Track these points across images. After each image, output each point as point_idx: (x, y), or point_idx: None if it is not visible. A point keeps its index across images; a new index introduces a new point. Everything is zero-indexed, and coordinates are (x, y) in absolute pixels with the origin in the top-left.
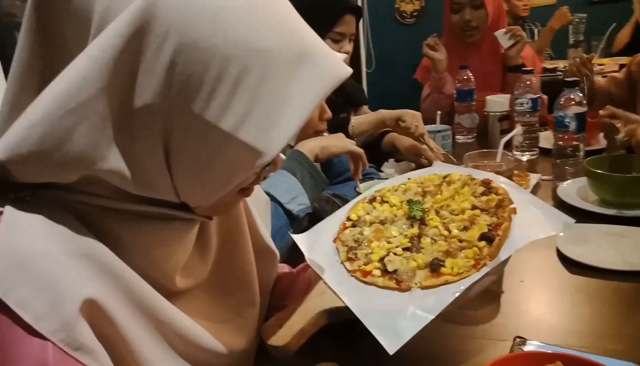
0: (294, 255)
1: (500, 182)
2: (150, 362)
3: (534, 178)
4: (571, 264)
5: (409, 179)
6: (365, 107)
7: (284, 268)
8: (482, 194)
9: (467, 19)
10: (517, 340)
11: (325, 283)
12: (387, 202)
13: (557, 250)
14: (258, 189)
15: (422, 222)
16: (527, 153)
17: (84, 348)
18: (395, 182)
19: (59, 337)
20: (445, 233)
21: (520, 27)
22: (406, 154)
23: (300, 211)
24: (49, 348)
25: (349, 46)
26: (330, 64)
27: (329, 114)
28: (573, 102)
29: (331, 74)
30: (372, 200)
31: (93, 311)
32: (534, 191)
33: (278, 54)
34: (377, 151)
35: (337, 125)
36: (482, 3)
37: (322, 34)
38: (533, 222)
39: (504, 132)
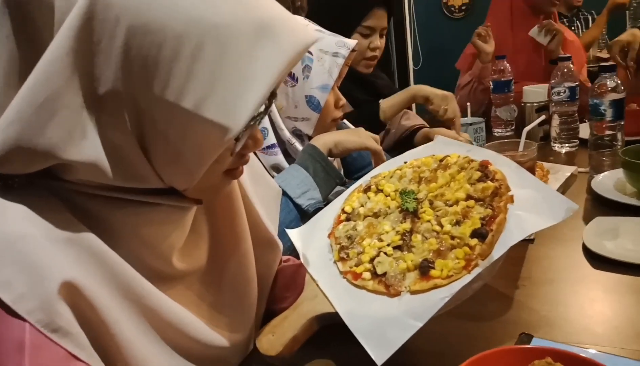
0: None
1: (501, 164)
2: (131, 347)
3: (567, 170)
4: (597, 260)
5: (405, 162)
6: (410, 115)
7: (289, 260)
8: (479, 180)
9: None
10: (522, 336)
11: (317, 285)
12: (382, 190)
13: (583, 245)
14: (269, 179)
15: (415, 214)
16: (566, 145)
17: (61, 330)
18: (391, 166)
19: (36, 318)
20: (438, 228)
21: (575, 16)
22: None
23: (310, 206)
24: (27, 329)
25: (379, 41)
26: (293, 33)
27: (343, 101)
28: (609, 88)
29: (294, 43)
30: (367, 189)
31: (73, 295)
32: (568, 184)
33: (234, 28)
34: (411, 147)
35: (367, 114)
36: None
37: (351, 28)
38: (532, 211)
39: (543, 123)
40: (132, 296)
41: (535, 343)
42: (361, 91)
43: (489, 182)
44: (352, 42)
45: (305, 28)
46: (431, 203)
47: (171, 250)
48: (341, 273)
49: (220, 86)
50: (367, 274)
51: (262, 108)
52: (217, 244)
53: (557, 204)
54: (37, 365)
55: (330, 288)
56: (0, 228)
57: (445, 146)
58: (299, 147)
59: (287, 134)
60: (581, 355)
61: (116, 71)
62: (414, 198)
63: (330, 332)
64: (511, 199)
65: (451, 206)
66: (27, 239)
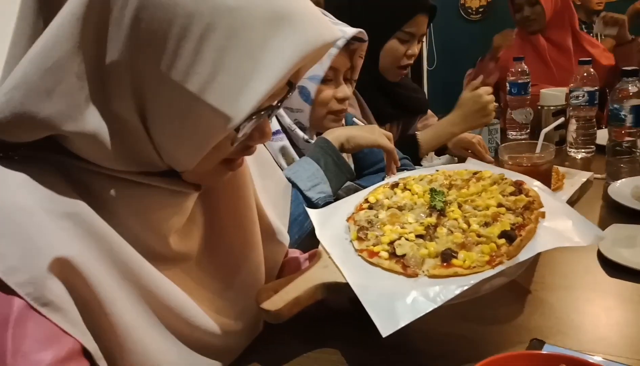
0: (311, 242)
1: (534, 185)
2: (127, 328)
3: (583, 176)
4: (612, 267)
5: (437, 170)
6: (428, 115)
7: (295, 253)
8: (512, 194)
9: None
10: (534, 342)
11: (330, 256)
12: (409, 190)
13: (599, 252)
14: (280, 173)
15: (442, 213)
16: (582, 150)
17: (52, 305)
18: (422, 172)
19: (26, 291)
20: (464, 226)
21: (592, 23)
22: (453, 147)
23: (320, 199)
24: (15, 302)
25: (416, 48)
26: (312, 26)
27: (344, 92)
28: (631, 93)
29: (312, 37)
30: (394, 186)
31: (68, 271)
32: (584, 190)
33: (248, 13)
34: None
35: (405, 143)
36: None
37: (390, 32)
38: (562, 229)
39: (559, 128)
40: (131, 276)
41: (547, 349)
42: (383, 99)
43: (522, 196)
44: (352, 31)
45: (328, 24)
46: (460, 206)
47: (169, 231)
48: (356, 250)
49: (227, 72)
50: (384, 254)
51: (276, 102)
52: (215, 232)
53: (586, 229)
54: (22, 337)
55: (342, 261)
56: None
57: (479, 166)
58: (300, 134)
59: (287, 120)
60: (595, 363)
61: (124, 43)
62: (443, 198)
63: (338, 331)
64: (543, 215)
65: (481, 210)
66: (22, 211)
